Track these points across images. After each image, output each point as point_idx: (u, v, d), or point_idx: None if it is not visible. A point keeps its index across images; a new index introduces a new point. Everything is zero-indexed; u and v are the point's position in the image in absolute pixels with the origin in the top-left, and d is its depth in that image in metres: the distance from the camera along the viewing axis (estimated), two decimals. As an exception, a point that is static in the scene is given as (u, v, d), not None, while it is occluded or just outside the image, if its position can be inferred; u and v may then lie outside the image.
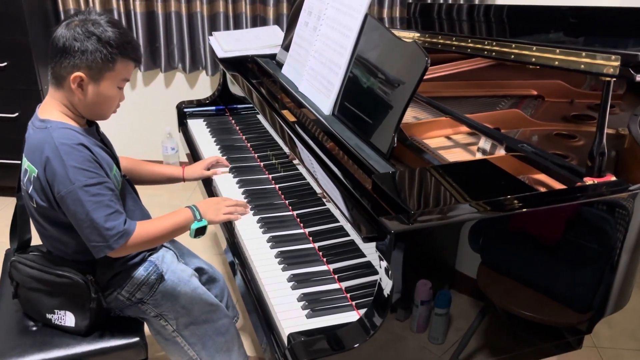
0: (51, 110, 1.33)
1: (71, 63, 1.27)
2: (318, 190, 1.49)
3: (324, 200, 1.47)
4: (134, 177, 1.62)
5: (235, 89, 2.27)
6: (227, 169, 1.81)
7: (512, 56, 1.39)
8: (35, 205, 1.35)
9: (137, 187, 1.59)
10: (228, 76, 2.25)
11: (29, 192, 1.34)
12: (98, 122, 1.44)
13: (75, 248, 1.37)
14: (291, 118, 1.62)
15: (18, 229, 1.54)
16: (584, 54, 1.21)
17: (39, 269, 1.39)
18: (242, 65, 2.15)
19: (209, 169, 1.81)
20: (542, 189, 1.21)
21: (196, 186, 2.80)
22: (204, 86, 3.13)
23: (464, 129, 1.58)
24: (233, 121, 2.25)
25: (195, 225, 1.41)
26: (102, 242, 1.27)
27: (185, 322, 1.50)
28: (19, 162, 1.42)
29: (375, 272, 1.22)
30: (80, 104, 1.32)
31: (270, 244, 1.43)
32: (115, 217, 1.28)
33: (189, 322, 1.50)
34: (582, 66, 1.22)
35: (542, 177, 1.29)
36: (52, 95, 1.34)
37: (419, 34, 1.78)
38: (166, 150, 3.18)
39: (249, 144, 2.01)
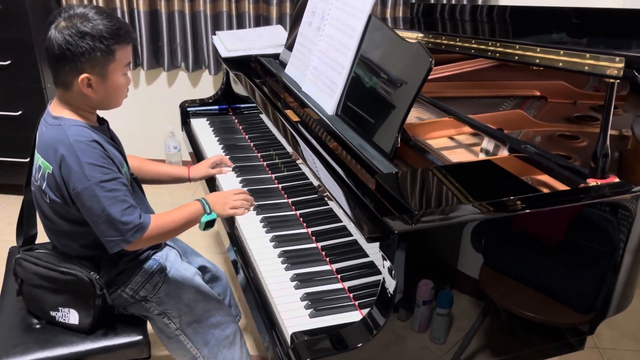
0: (62, 108, 1.34)
1: (74, 68, 1.27)
2: (319, 188, 1.49)
3: (327, 199, 1.47)
4: (140, 176, 1.63)
5: (239, 89, 2.28)
6: (231, 168, 1.82)
7: (516, 57, 1.39)
8: (48, 201, 1.35)
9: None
10: (231, 75, 2.25)
11: (43, 187, 1.35)
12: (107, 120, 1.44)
13: (83, 242, 1.38)
14: (294, 118, 1.62)
15: (24, 224, 1.55)
16: (588, 55, 1.21)
17: (44, 266, 1.40)
18: (245, 65, 2.15)
19: (214, 168, 1.81)
20: (545, 190, 1.21)
21: (198, 185, 2.80)
22: (206, 85, 3.13)
23: (467, 129, 1.58)
24: (236, 120, 2.26)
25: (205, 219, 1.42)
26: (118, 236, 1.28)
27: (188, 320, 1.50)
28: (23, 160, 1.43)
29: (378, 272, 1.22)
30: (93, 101, 1.33)
31: (273, 243, 1.44)
32: (131, 212, 1.29)
33: (191, 320, 1.50)
34: (586, 67, 1.22)
35: (545, 178, 1.29)
36: (61, 96, 1.35)
37: (422, 35, 1.78)
38: (168, 149, 3.19)
39: (252, 144, 2.02)
